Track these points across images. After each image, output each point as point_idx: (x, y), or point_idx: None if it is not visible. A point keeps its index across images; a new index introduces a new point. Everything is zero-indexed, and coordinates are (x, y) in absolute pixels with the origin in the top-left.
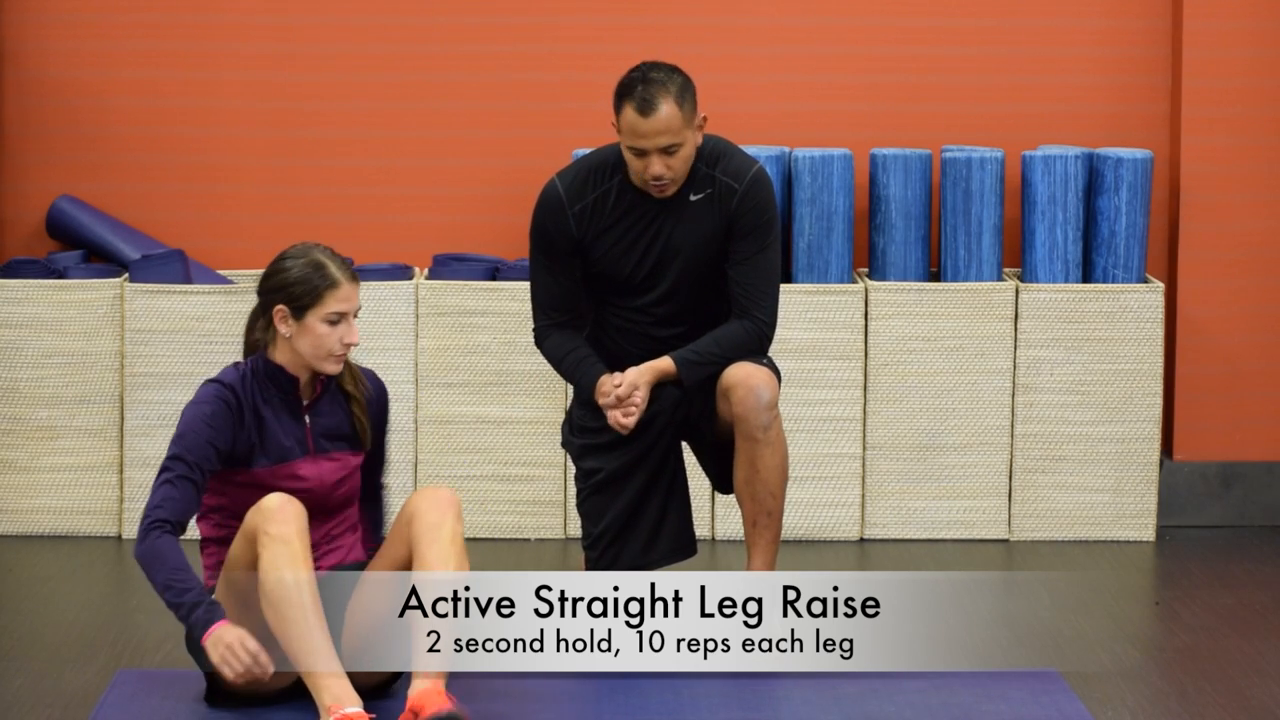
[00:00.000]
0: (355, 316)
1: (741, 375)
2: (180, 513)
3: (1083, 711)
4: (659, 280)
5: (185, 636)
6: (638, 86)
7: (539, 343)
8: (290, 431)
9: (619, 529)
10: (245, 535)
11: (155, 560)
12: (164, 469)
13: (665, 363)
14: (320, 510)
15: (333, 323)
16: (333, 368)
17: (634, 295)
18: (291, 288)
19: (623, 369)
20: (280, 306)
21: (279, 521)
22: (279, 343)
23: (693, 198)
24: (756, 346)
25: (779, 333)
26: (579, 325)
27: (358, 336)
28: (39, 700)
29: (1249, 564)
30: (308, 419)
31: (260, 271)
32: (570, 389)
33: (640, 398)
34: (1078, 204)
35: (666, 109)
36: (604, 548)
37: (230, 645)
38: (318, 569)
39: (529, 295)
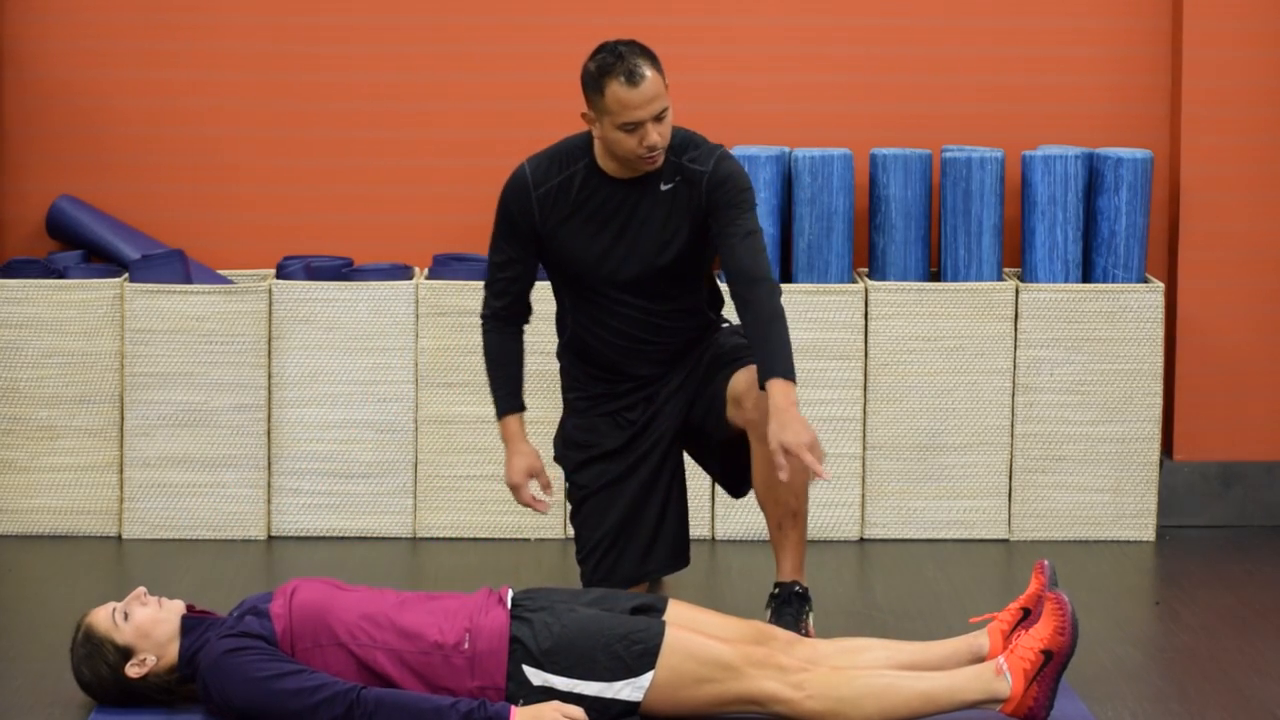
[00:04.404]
0: None
1: (750, 380)
2: None
3: (1083, 711)
4: (627, 267)
5: None
6: (617, 62)
7: (483, 331)
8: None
9: (614, 538)
10: None
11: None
12: None
13: (788, 391)
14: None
15: None
16: None
17: (604, 284)
18: None
19: (606, 364)
20: None
21: None
22: None
23: (663, 187)
24: (781, 306)
25: None
26: (522, 318)
27: None
28: (39, 700)
29: (1249, 564)
30: None
31: (260, 271)
32: (563, 398)
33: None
34: (1078, 204)
35: (651, 74)
36: (599, 558)
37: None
38: None
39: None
